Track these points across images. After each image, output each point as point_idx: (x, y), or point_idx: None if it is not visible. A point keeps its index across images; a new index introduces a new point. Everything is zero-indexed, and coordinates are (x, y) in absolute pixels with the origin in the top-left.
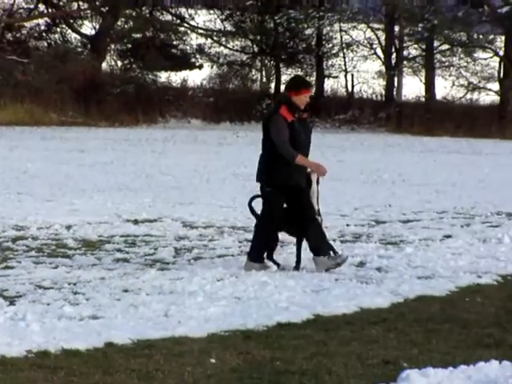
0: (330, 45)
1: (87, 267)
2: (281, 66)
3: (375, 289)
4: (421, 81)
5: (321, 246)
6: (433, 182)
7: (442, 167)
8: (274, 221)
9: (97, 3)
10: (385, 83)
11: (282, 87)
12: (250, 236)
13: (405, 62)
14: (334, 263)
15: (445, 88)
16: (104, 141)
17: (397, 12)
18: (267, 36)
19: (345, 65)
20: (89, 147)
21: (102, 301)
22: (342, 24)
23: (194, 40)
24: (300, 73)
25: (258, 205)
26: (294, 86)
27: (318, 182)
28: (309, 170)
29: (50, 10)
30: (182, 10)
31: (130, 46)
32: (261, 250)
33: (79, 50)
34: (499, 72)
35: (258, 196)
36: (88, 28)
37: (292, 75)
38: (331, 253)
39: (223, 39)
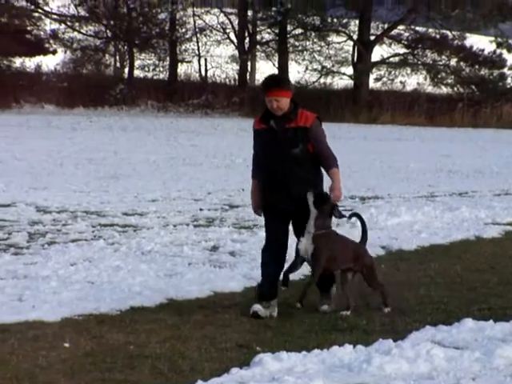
0: (184, 29)
1: None
2: (134, 51)
3: (228, 273)
4: (274, 65)
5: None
6: None
7: None
8: (268, 248)
9: None
10: (238, 68)
11: (136, 72)
12: (104, 220)
13: (258, 47)
14: None
15: (298, 72)
16: None
17: None
18: (121, 21)
19: (198, 49)
20: None
21: None
22: (195, 8)
23: (48, 25)
24: (153, 57)
25: None
26: (261, 86)
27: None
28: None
29: None
30: None
31: None
32: (261, 286)
33: None
34: (353, 56)
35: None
36: None
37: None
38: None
39: (77, 24)
